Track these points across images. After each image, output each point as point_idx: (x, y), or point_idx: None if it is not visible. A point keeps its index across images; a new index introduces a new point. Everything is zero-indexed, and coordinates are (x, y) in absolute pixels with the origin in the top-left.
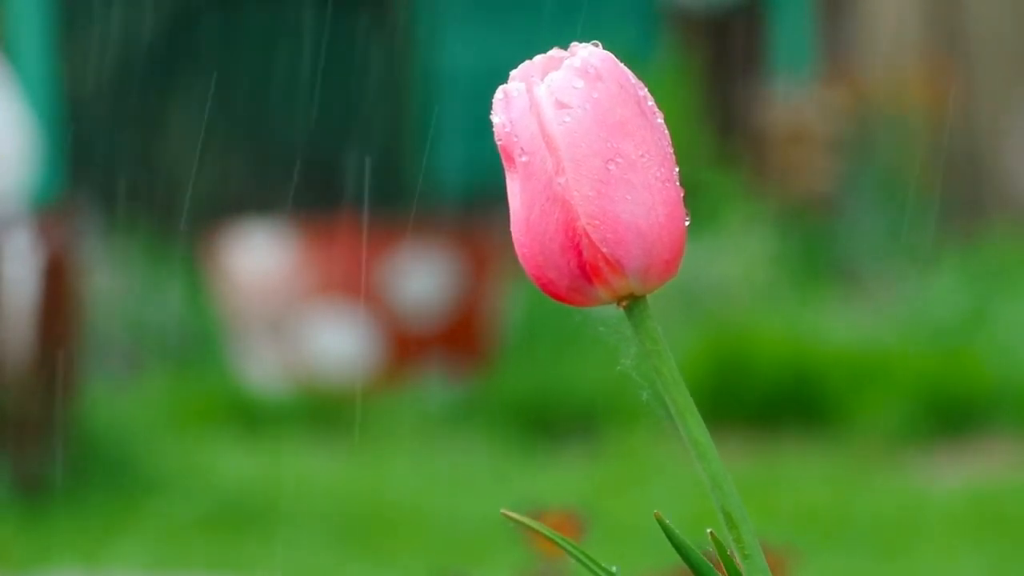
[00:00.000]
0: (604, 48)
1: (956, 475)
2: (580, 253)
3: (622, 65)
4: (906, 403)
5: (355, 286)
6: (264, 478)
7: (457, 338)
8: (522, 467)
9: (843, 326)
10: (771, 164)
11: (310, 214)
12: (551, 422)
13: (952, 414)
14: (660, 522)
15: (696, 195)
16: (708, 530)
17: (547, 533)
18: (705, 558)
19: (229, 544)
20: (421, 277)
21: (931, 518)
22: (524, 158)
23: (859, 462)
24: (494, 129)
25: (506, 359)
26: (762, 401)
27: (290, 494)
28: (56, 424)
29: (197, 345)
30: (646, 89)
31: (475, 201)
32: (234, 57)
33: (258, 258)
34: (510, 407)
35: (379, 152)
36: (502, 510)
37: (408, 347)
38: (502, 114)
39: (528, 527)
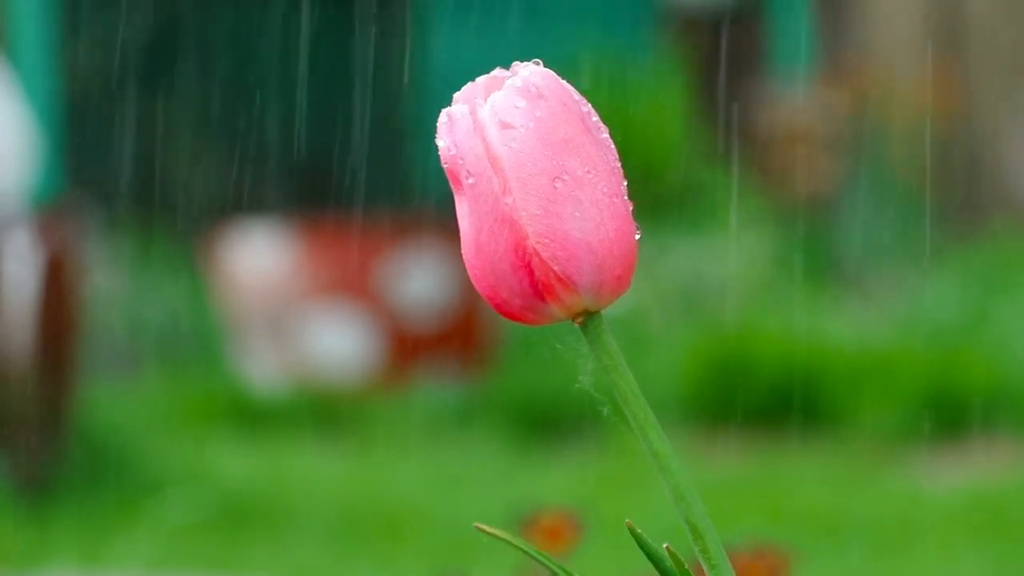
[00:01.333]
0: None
1: (956, 475)
2: (531, 272)
3: (564, 82)
4: (906, 403)
5: (355, 286)
6: (264, 478)
7: (457, 338)
8: (522, 467)
9: (843, 326)
10: (771, 164)
11: (310, 214)
12: (551, 422)
13: (952, 414)
14: (632, 531)
15: (696, 195)
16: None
17: (520, 545)
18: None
19: (229, 544)
20: (421, 277)
21: (931, 518)
22: (470, 180)
23: (859, 462)
24: (440, 152)
25: (506, 359)
26: (762, 401)
27: (290, 494)
28: (56, 423)
29: (197, 345)
30: (590, 105)
31: None
32: (233, 57)
33: (258, 258)
34: (510, 407)
35: (379, 152)
36: (475, 524)
37: (408, 347)
38: (446, 137)
39: (503, 538)
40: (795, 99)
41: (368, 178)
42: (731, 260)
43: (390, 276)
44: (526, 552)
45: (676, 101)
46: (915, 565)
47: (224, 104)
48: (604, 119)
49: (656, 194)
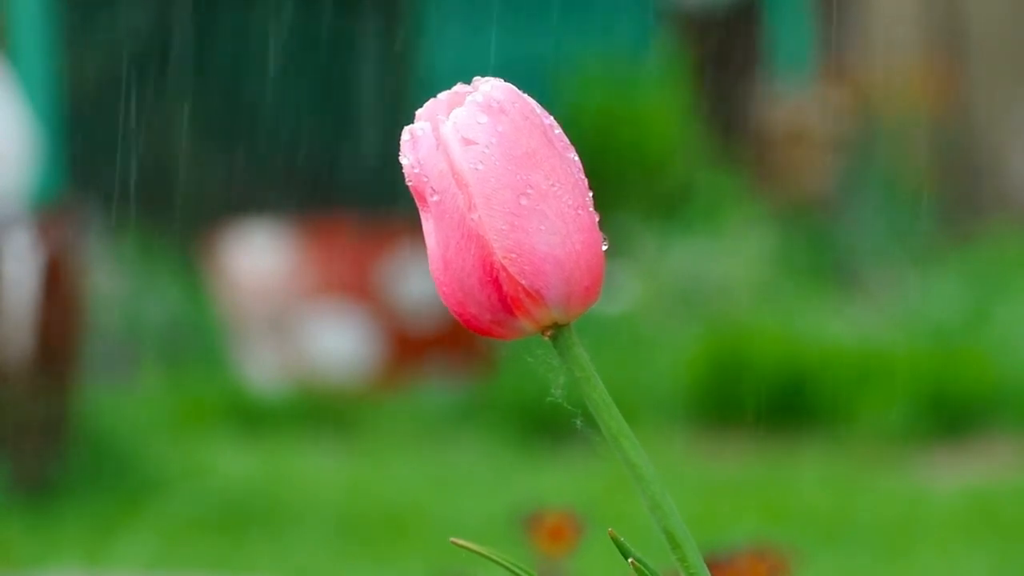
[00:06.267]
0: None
1: (956, 475)
2: (499, 287)
3: (525, 96)
4: (906, 403)
5: (355, 286)
6: (264, 478)
7: (457, 338)
8: (522, 467)
9: (843, 326)
10: (771, 164)
11: (310, 214)
12: (551, 422)
13: (952, 414)
14: (614, 539)
15: (696, 195)
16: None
17: (499, 560)
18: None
19: (229, 544)
20: (421, 277)
21: (931, 518)
22: (435, 197)
23: (859, 462)
24: (404, 171)
25: (506, 359)
26: (762, 401)
27: (290, 494)
28: (56, 424)
29: (197, 345)
30: (552, 118)
31: None
32: (235, 57)
33: (258, 258)
34: (510, 407)
35: (379, 152)
36: (451, 539)
37: (408, 347)
38: (410, 155)
39: (481, 553)
40: (795, 99)
41: (369, 178)
42: (731, 260)
43: (390, 276)
44: (505, 567)
45: (676, 101)
46: (915, 565)
47: (224, 104)
48: (605, 118)
49: (656, 194)
